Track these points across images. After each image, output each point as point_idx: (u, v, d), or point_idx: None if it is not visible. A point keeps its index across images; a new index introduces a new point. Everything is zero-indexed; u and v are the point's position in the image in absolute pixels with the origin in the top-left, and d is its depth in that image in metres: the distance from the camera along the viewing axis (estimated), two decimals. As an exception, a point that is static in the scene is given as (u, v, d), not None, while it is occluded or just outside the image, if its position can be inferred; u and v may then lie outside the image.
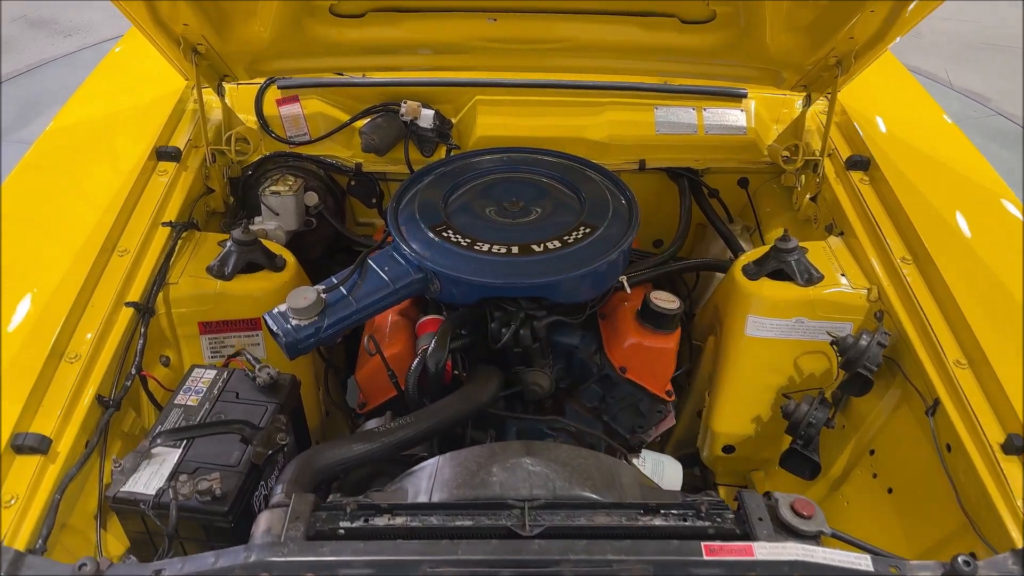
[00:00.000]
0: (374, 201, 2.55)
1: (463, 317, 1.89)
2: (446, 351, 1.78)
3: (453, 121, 2.46)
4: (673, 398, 1.99)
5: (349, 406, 2.06)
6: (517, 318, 1.85)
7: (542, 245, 1.88)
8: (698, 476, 2.36)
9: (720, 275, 2.28)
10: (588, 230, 1.93)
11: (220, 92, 2.23)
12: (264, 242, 2.02)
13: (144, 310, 1.79)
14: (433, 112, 2.38)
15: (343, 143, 2.47)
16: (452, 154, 2.44)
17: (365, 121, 2.41)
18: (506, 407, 1.93)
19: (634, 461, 2.06)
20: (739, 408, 2.06)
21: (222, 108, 2.24)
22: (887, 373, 1.86)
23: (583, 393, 1.99)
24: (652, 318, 1.93)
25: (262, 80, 2.40)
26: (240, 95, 2.47)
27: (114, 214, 1.92)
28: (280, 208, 2.19)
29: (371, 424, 1.84)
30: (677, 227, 2.34)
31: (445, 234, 1.92)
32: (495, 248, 1.87)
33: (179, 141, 2.22)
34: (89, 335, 1.67)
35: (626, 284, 2.00)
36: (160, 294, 1.87)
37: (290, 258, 2.04)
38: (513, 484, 1.42)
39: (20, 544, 1.34)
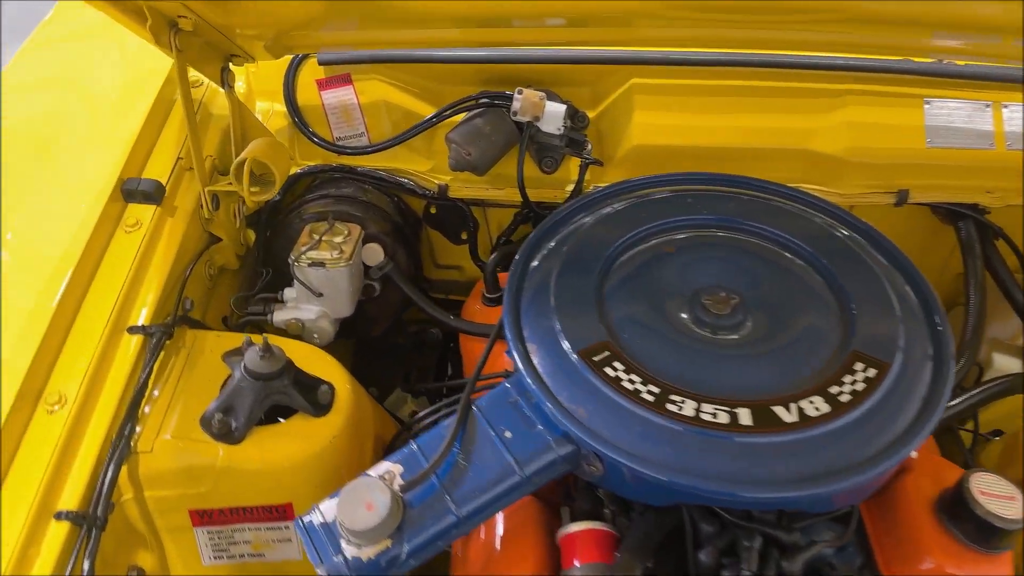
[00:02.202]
0: (464, 237, 1.69)
1: (649, 540, 1.06)
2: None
3: (589, 116, 1.55)
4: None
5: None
6: (749, 553, 1.02)
7: (794, 407, 1.03)
8: None
9: None
10: (872, 370, 1.06)
11: (225, 81, 1.36)
12: (295, 348, 1.20)
13: (87, 522, 1.01)
14: (565, 107, 1.48)
15: (420, 149, 1.60)
16: (587, 185, 1.55)
17: (455, 120, 1.53)
18: None
19: None
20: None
21: (230, 107, 1.38)
22: None
23: (838, 639, 1.18)
24: (973, 526, 1.08)
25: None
26: (263, 73, 1.61)
27: (42, 325, 1.12)
28: (326, 286, 1.34)
29: None
30: (965, 313, 1.44)
31: (611, 370, 1.07)
32: (707, 410, 1.02)
33: (163, 164, 1.38)
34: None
35: (911, 445, 1.14)
36: (124, 468, 1.08)
37: (342, 383, 1.22)
38: None
39: None
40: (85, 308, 1.18)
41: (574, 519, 1.13)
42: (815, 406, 1.03)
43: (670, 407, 1.03)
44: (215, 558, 1.18)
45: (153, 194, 1.30)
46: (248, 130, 1.41)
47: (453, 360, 1.91)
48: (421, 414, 1.33)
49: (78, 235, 1.22)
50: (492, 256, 1.49)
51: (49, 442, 1.04)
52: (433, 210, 1.64)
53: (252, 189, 1.28)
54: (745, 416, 1.02)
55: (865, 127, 1.49)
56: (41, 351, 1.09)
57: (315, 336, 1.36)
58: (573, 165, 1.58)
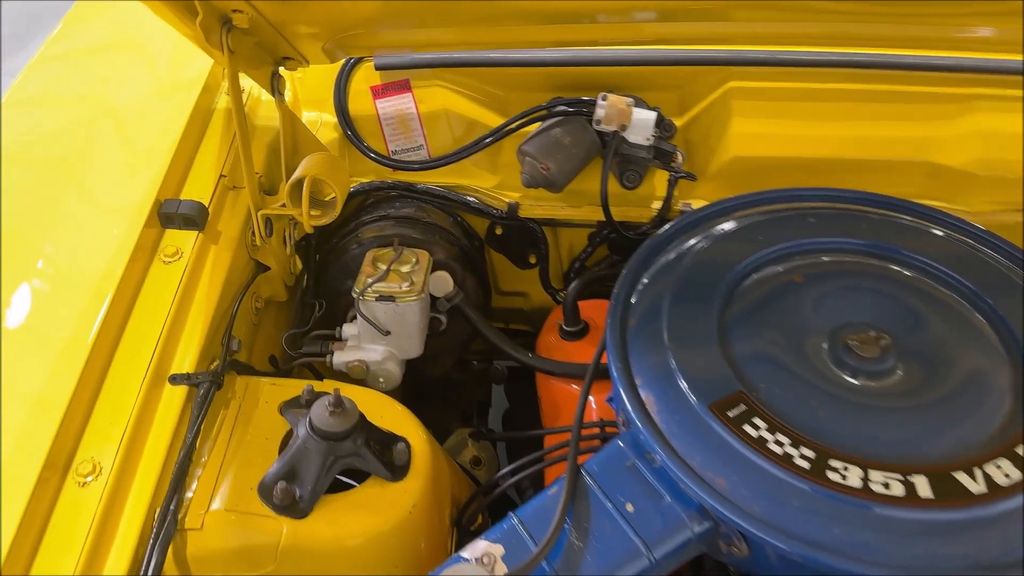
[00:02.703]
0: (532, 261, 1.51)
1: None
2: None
3: (677, 125, 1.38)
4: None
5: None
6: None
7: (979, 473, 0.85)
8: None
9: None
10: (1063, 423, 0.89)
11: (276, 88, 1.19)
12: (362, 397, 1.02)
13: (131, 621, 0.83)
14: (655, 114, 1.30)
15: (484, 163, 1.43)
16: (675, 202, 1.38)
17: (529, 132, 1.35)
18: None
19: None
20: None
21: (281, 117, 1.20)
22: None
23: None
24: None
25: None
26: (309, 80, 1.44)
27: (71, 378, 0.94)
28: (395, 322, 1.17)
29: None
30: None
31: (751, 428, 0.90)
32: (876, 478, 0.85)
33: (203, 183, 1.20)
34: None
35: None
36: (170, 551, 0.90)
37: (417, 438, 1.04)
38: None
39: None
40: (120, 355, 1.01)
41: (707, 607, 0.95)
42: (1004, 472, 0.85)
43: (831, 475, 0.85)
44: (274, 650, 1.00)
45: (195, 218, 1.12)
46: (300, 144, 1.23)
47: (511, 396, 1.73)
48: (501, 473, 1.15)
49: (110, 269, 1.05)
50: (573, 284, 1.31)
51: (82, 521, 0.86)
52: (499, 231, 1.47)
53: (312, 212, 1.11)
54: (924, 486, 0.84)
55: (996, 136, 1.31)
56: (71, 410, 0.91)
57: (380, 380, 1.18)
58: (658, 180, 1.41)
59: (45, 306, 1.02)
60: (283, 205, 1.13)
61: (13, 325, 0.99)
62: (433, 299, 1.27)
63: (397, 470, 1.00)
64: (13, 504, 0.84)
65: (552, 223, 1.46)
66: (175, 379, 1.00)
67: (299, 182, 1.11)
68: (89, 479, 0.89)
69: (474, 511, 1.16)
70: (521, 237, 1.47)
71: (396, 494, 0.98)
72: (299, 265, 1.33)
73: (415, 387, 1.55)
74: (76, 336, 0.98)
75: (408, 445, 1.02)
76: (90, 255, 1.08)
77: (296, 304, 1.32)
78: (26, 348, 0.97)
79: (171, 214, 1.12)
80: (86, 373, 0.95)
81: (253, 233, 1.15)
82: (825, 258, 1.11)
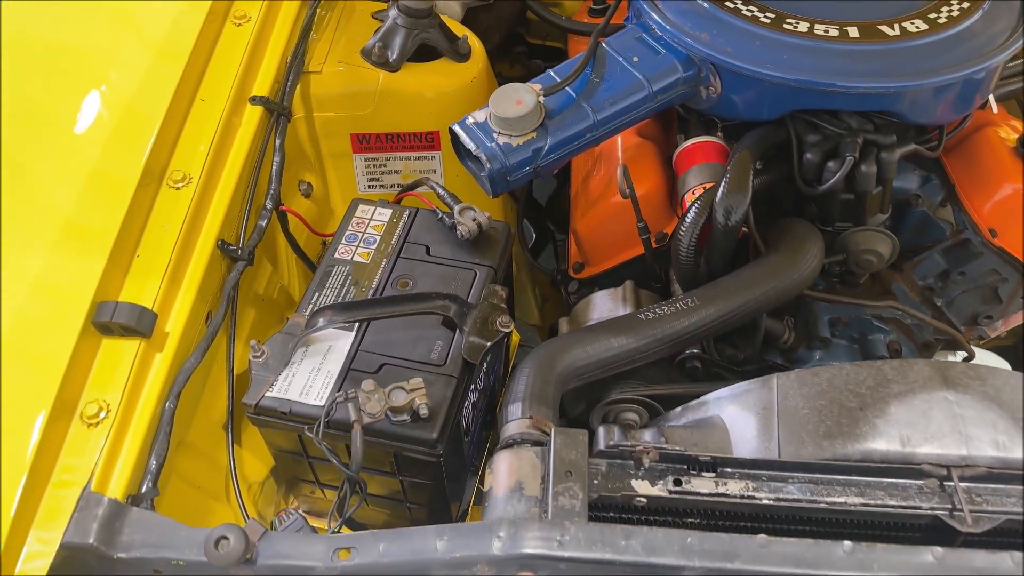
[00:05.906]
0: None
1: (762, 141, 1.20)
2: (748, 194, 1.11)
3: None
4: (1053, 277, 1.31)
5: (554, 268, 1.47)
6: (852, 146, 1.15)
7: (896, 26, 1.15)
8: None
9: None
10: (965, 4, 1.18)
11: None
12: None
13: (278, 110, 1.17)
14: None
15: None
16: None
17: None
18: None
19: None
20: None
21: None
22: None
23: (918, 266, 1.32)
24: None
25: None
26: None
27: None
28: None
29: (603, 303, 1.25)
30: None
31: (730, 3, 1.21)
32: (820, 28, 1.16)
33: None
34: (201, 147, 1.06)
35: (992, 100, 1.27)
36: (297, 89, 1.24)
37: (475, 42, 1.36)
38: (926, 435, 0.83)
39: (119, 486, 0.82)
40: None
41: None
42: (916, 26, 1.15)
43: (786, 26, 1.16)
44: (368, 187, 1.35)
45: None
46: None
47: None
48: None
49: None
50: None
51: (234, 51, 1.17)
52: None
53: None
54: (854, 31, 1.14)
55: None
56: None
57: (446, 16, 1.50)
58: None
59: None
60: None
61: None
62: (486, -28, 1.58)
63: (461, 55, 1.32)
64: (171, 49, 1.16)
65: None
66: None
67: None
68: (241, 22, 1.21)
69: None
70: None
71: (461, 68, 1.31)
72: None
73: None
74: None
75: (468, 43, 1.34)
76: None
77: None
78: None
79: None
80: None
81: None
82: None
